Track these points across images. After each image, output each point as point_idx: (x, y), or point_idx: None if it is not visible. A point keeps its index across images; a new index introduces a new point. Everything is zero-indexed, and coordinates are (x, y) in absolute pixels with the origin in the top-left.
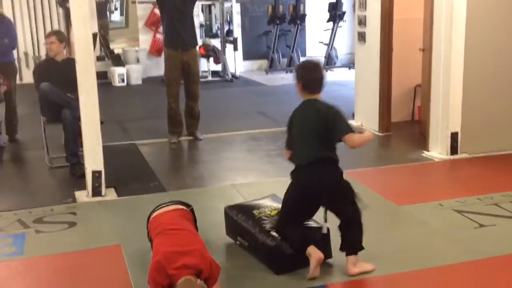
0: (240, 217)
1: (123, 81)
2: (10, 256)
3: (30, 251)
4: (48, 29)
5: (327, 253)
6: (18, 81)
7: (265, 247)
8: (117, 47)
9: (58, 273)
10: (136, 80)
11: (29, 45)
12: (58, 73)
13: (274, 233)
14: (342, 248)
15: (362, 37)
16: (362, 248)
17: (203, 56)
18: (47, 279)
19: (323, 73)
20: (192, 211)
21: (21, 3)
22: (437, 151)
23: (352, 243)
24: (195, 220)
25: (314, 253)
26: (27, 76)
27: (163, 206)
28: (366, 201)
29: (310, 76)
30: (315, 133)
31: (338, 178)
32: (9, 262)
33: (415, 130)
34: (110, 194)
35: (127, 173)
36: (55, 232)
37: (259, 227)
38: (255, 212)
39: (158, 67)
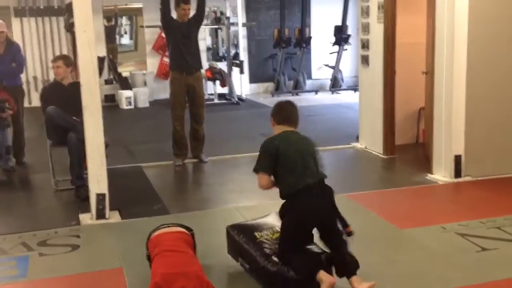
0: (241, 238)
1: (130, 104)
2: (13, 279)
3: (33, 274)
4: (57, 53)
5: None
6: (26, 104)
7: (266, 272)
8: (125, 71)
9: None
10: (143, 103)
11: (38, 69)
12: (64, 97)
13: (275, 258)
14: (342, 272)
15: (365, 60)
16: (359, 265)
17: (209, 79)
18: None
19: (292, 109)
20: (192, 235)
21: (30, 28)
22: (441, 174)
23: (353, 263)
24: (194, 245)
25: (325, 278)
26: (35, 99)
27: (165, 227)
28: (368, 224)
29: (281, 112)
30: (310, 154)
31: (333, 196)
32: (12, 285)
33: (419, 153)
34: (114, 217)
35: (132, 195)
36: (58, 255)
37: (260, 250)
38: (257, 234)
39: (165, 90)
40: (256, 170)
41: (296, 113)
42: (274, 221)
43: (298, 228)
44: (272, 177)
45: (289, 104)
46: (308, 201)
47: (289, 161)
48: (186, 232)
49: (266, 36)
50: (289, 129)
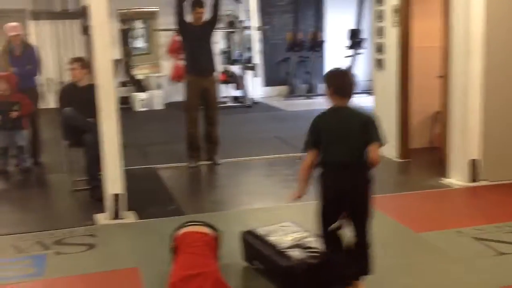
0: (256, 241)
1: (144, 106)
2: (30, 277)
3: (50, 272)
4: (72, 56)
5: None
6: (42, 106)
7: (279, 268)
8: (140, 73)
9: None
10: (157, 105)
11: (53, 71)
12: (80, 98)
13: (288, 253)
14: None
15: (380, 64)
16: (367, 274)
17: (223, 82)
18: None
19: (353, 79)
20: (218, 237)
21: (46, 31)
22: (457, 178)
23: (359, 269)
24: (219, 246)
25: None
26: (51, 101)
27: (193, 225)
28: (383, 227)
29: (341, 81)
30: (354, 135)
31: (368, 183)
32: (29, 283)
33: (434, 157)
34: (129, 217)
35: (146, 196)
36: (74, 254)
37: (274, 249)
38: (272, 236)
39: (179, 93)
40: (303, 150)
41: (350, 84)
42: (288, 226)
43: (322, 201)
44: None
45: (343, 73)
46: (328, 178)
47: (324, 137)
48: (212, 233)
49: (280, 40)
50: (340, 104)
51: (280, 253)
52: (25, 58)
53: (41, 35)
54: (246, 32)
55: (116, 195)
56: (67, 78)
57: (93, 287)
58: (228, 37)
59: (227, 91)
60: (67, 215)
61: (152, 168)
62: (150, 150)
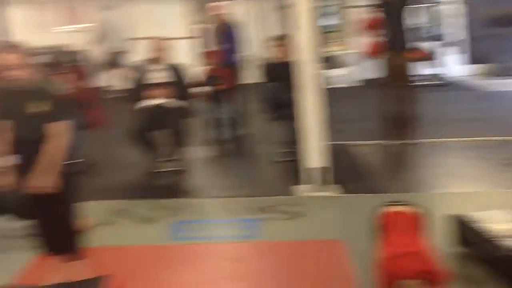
0: (471, 227)
1: (338, 83)
2: (244, 238)
3: (262, 235)
4: (270, 33)
5: None
6: (243, 82)
7: (496, 257)
8: (333, 50)
9: (287, 258)
10: (350, 82)
11: (253, 48)
12: (281, 74)
13: (507, 243)
14: None
15: None
16: None
17: (420, 59)
18: (279, 262)
19: None
20: (424, 217)
21: (247, 9)
22: None
23: None
24: (425, 226)
25: None
26: (250, 76)
27: (398, 204)
28: None
29: None
30: None
31: None
32: (244, 244)
33: None
34: (332, 191)
35: (345, 172)
36: (282, 221)
37: (491, 236)
38: (488, 223)
39: (374, 70)
40: None
41: None
42: (507, 213)
43: None
44: None
45: None
46: None
47: None
48: (418, 213)
49: (485, 15)
50: None
51: (498, 241)
52: (228, 36)
53: (241, 14)
54: (447, 6)
55: (321, 169)
56: (266, 55)
57: (301, 254)
58: (428, 12)
59: (422, 69)
60: (273, 184)
61: (349, 144)
62: (345, 126)
